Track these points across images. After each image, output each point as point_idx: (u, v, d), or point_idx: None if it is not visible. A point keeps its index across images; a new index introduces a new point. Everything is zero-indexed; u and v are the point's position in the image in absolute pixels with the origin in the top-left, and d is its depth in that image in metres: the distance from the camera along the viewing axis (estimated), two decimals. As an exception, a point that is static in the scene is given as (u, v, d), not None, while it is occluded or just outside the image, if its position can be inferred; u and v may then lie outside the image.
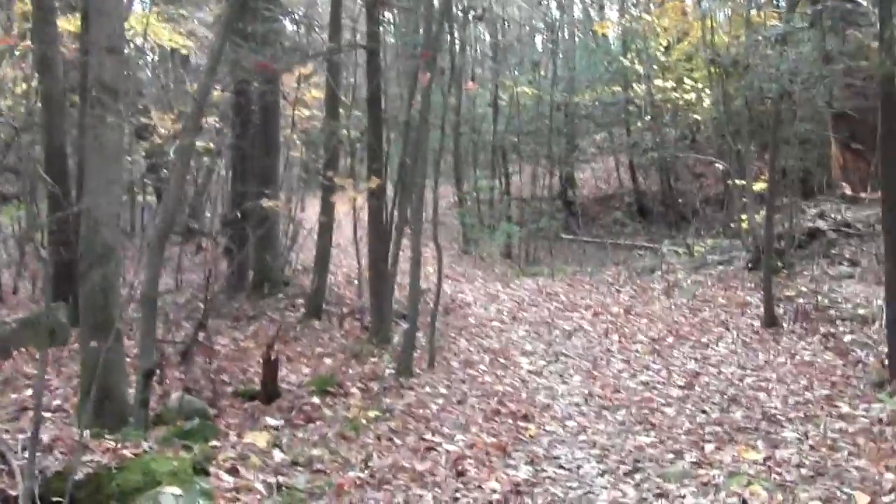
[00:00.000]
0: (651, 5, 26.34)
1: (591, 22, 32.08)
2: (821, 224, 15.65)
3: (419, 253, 11.63)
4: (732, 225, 19.62)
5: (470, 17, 23.72)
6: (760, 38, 11.09)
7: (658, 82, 24.10)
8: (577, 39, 33.13)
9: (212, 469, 6.30)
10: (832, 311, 12.72)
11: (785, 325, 12.92)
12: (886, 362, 9.86)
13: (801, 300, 13.54)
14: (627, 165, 29.46)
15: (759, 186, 18.21)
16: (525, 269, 21.88)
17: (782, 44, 11.50)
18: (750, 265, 16.24)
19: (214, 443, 7.16)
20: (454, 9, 19.73)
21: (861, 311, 12.30)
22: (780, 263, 14.91)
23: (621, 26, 28.10)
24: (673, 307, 15.21)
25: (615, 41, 31.05)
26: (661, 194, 27.63)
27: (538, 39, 33.77)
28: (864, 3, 10.80)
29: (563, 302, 16.77)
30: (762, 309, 13.39)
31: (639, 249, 23.00)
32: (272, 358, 9.35)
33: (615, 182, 30.63)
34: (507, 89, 28.12)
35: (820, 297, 13.32)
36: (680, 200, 25.56)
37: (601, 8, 33.39)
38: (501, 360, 12.37)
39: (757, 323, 13.26)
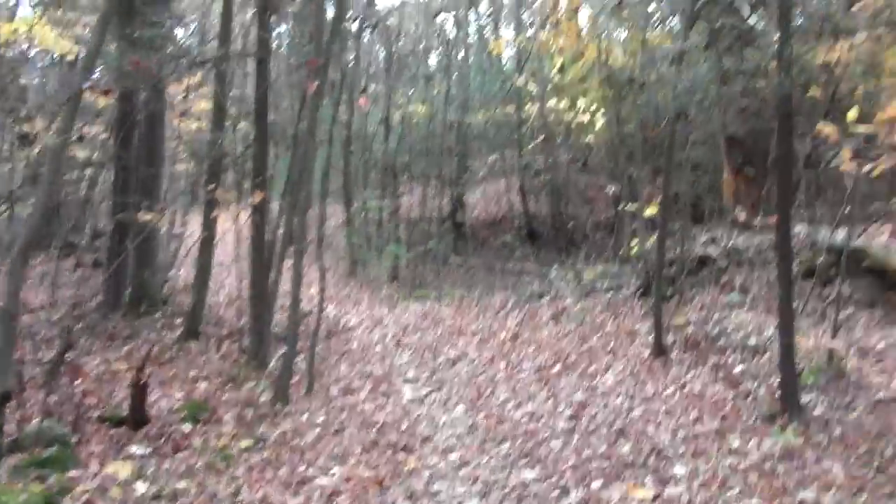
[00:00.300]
0: (546, 25, 26.08)
1: (486, 41, 31.79)
2: (711, 251, 15.39)
3: (301, 273, 11.10)
4: (622, 251, 19.39)
5: (362, 27, 23.11)
6: (656, 56, 10.72)
7: (551, 103, 23.83)
8: (471, 58, 32.76)
9: (66, 502, 5.72)
10: (722, 341, 12.40)
11: (674, 354, 12.56)
12: (778, 394, 9.55)
13: (690, 329, 13.21)
14: (519, 188, 29.13)
15: (650, 211, 18.00)
16: (412, 292, 21.30)
17: (678, 63, 11.17)
18: (640, 292, 15.92)
19: (73, 473, 6.66)
20: (347, 18, 19.14)
21: (752, 341, 11.99)
22: (670, 291, 14.61)
23: (516, 46, 27.85)
24: (561, 334, 14.79)
25: (509, 61, 30.80)
26: (552, 218, 27.36)
27: (432, 57, 33.34)
28: (762, 23, 10.53)
29: (449, 327, 16.28)
30: (651, 337, 13.01)
31: (528, 274, 22.59)
32: (142, 381, 8.78)
33: (506, 204, 30.29)
34: (400, 107, 27.66)
35: (710, 326, 13.03)
36: (570, 225, 25.31)
37: (496, 27, 33.18)
38: (383, 388, 11.88)
39: (646, 352, 12.87)
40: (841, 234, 13.66)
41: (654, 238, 14.89)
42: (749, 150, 17.49)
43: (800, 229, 14.87)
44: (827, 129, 8.32)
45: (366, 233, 26.76)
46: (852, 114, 8.12)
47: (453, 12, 31.07)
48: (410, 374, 12.78)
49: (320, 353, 12.76)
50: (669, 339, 13.05)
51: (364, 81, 29.32)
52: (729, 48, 9.91)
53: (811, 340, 11.21)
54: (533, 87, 25.44)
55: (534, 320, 16.32)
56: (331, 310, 18.26)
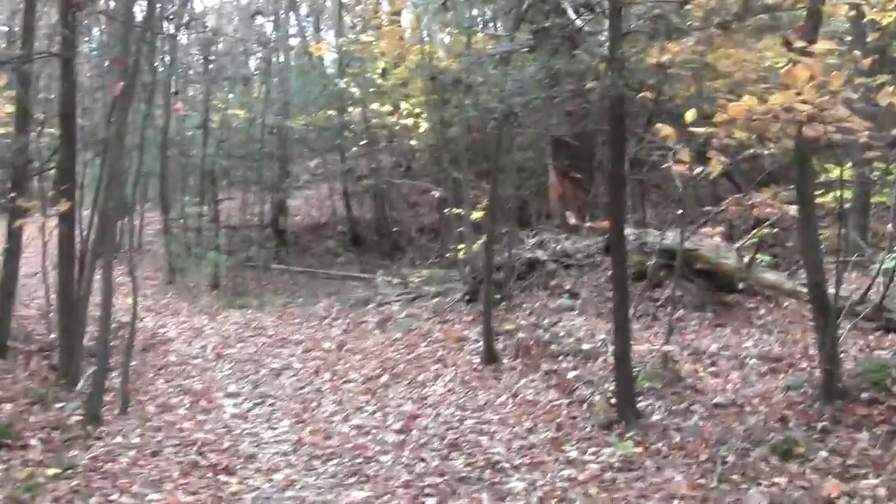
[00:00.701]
0: (368, 28, 25.64)
1: (307, 43, 31.14)
2: (540, 254, 15.10)
3: (111, 283, 10.30)
4: (448, 255, 19.08)
5: (177, 26, 22.17)
6: (483, 57, 10.36)
7: (374, 106, 23.38)
8: (292, 61, 32.02)
9: None
10: (554, 346, 12.04)
11: (505, 361, 12.19)
12: (613, 401, 9.29)
13: (521, 334, 12.85)
14: (342, 193, 28.60)
15: (476, 215, 17.73)
16: (233, 300, 20.49)
17: (505, 64, 10.84)
18: (467, 297, 15.56)
19: None
20: (158, 16, 18.22)
21: (584, 346, 11.71)
22: (498, 295, 14.29)
23: (338, 49, 27.26)
24: (388, 342, 14.26)
25: (331, 64, 30.17)
26: (376, 223, 26.96)
27: (252, 59, 32.49)
28: (591, 24, 10.29)
29: (271, 337, 15.59)
30: (481, 344, 12.64)
31: (352, 280, 22.07)
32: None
33: (329, 210, 29.74)
34: (218, 110, 26.79)
35: (541, 331, 12.71)
36: (395, 229, 24.91)
37: (318, 29, 32.56)
38: (203, 403, 11.16)
39: (476, 359, 12.46)
40: (670, 236, 13.61)
41: (480, 242, 14.63)
42: (575, 152, 17.38)
43: (628, 232, 14.77)
44: (665, 130, 8.04)
45: (185, 240, 25.76)
46: (690, 114, 7.86)
47: (272, 16, 30.36)
48: (232, 388, 12.11)
49: (135, 369, 11.98)
50: (500, 345, 12.68)
51: (180, 84, 28.39)
52: (556, 50, 9.61)
53: (644, 344, 11.03)
54: (355, 90, 24.88)
55: (359, 328, 15.77)
56: (148, 321, 17.39)
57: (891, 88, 6.72)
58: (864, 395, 8.39)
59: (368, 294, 18.81)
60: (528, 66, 9.26)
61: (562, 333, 12.56)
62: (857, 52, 7.75)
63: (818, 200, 10.32)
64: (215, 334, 16.12)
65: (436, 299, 16.77)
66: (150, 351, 14.39)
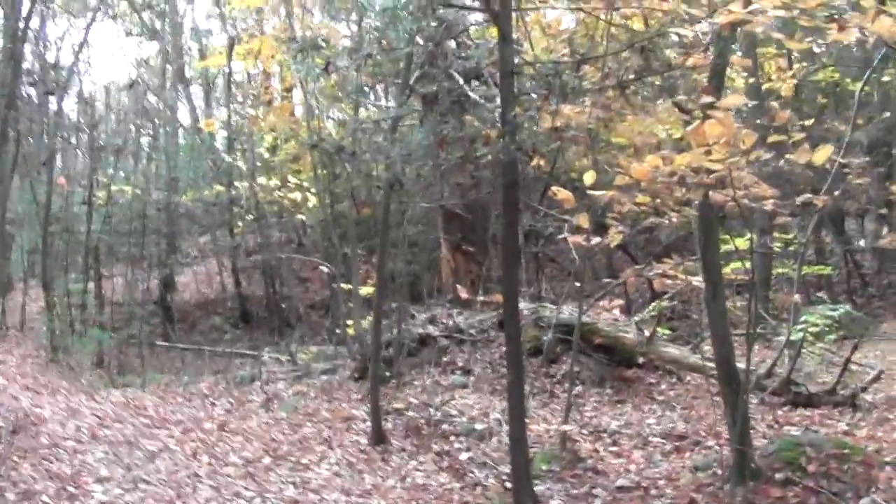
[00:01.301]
0: (259, 104, 24.92)
1: (197, 118, 30.20)
2: (432, 330, 14.27)
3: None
4: (338, 331, 18.19)
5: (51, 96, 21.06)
6: (368, 123, 9.63)
7: (262, 180, 22.48)
8: (181, 136, 31.03)
9: None
10: (446, 426, 11.22)
11: (395, 441, 11.28)
12: (509, 485, 8.47)
13: (411, 413, 11.99)
14: (231, 269, 27.54)
15: (365, 290, 16.97)
16: (116, 379, 19.23)
17: (392, 131, 10.10)
18: (356, 375, 14.62)
19: None
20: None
21: (478, 426, 10.88)
22: (388, 373, 13.43)
23: (227, 124, 26.43)
24: (272, 422, 13.23)
25: (220, 140, 29.27)
26: (266, 299, 25.91)
27: (140, 134, 31.38)
28: (483, 88, 9.63)
29: (151, 417, 14.41)
30: (369, 424, 11.72)
31: (240, 357, 20.94)
32: None
33: (218, 286, 28.62)
34: (103, 186, 25.59)
35: (432, 410, 11.86)
36: (284, 305, 23.90)
37: (208, 105, 31.66)
38: (70, 489, 10.01)
39: (364, 440, 11.52)
40: (567, 310, 12.94)
41: (370, 318, 13.79)
42: (468, 225, 16.69)
43: (523, 306, 14.11)
44: (562, 193, 7.28)
45: (69, 318, 24.40)
46: (589, 177, 7.13)
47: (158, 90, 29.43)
48: (104, 472, 10.93)
49: (0, 452, 10.83)
50: (389, 424, 11.78)
51: (66, 159, 27.24)
52: (445, 115, 8.90)
53: (542, 424, 10.27)
54: (242, 164, 24.02)
55: (244, 407, 14.70)
56: (24, 402, 16.12)
57: (806, 146, 6.06)
58: (779, 476, 7.69)
59: (255, 371, 17.75)
60: (416, 133, 8.53)
61: (454, 412, 11.74)
62: (773, 103, 7.14)
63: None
64: (92, 414, 14.87)
65: (324, 377, 15.81)
66: (19, 433, 13.15)
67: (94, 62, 56.37)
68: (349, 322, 16.95)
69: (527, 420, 8.58)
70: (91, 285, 25.32)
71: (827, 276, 19.45)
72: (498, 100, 8.78)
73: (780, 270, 15.55)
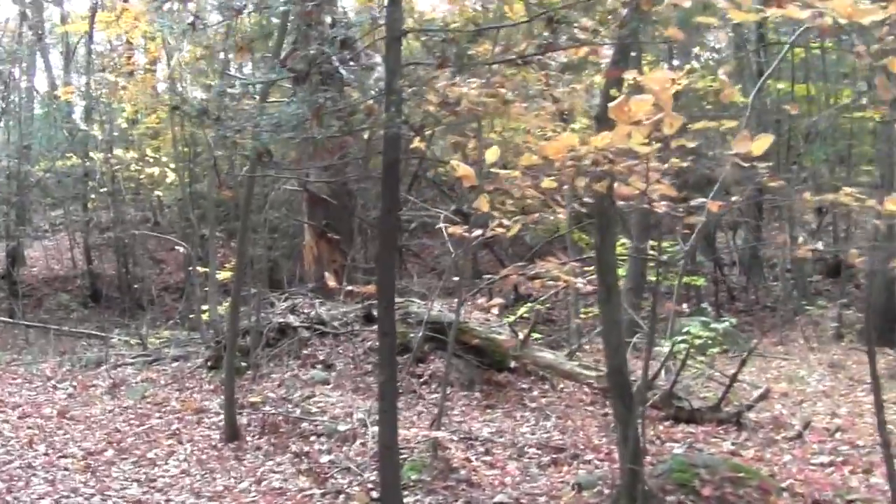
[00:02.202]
0: (120, 74, 23.29)
1: (55, 85, 28.28)
2: (292, 320, 13.06)
3: None
4: (192, 316, 16.96)
5: None
6: (235, 88, 8.47)
7: (119, 152, 20.94)
8: (36, 104, 29.10)
9: None
10: (306, 424, 10.10)
11: (250, 439, 10.13)
12: (375, 495, 7.48)
13: (268, 409, 10.84)
14: (83, 245, 25.80)
15: (223, 275, 15.79)
16: (-49, 356, 17.50)
17: (263, 97, 8.95)
18: (209, 363, 13.39)
19: None
20: None
21: (341, 427, 9.78)
22: (244, 363, 12.26)
23: (86, 92, 24.68)
24: (118, 410, 11.93)
25: (78, 109, 27.40)
26: (118, 279, 24.30)
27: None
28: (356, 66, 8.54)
29: (-15, 400, 12.99)
30: (222, 418, 10.56)
31: (87, 338, 19.38)
32: None
33: (69, 262, 26.83)
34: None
35: (290, 406, 10.74)
36: (136, 286, 22.38)
37: (67, 71, 29.74)
38: None
39: (216, 435, 10.35)
40: (437, 307, 11.97)
41: (227, 304, 12.63)
42: (333, 211, 15.57)
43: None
44: (462, 169, 6.21)
45: None
46: (492, 154, 6.09)
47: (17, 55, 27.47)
48: (-80, 462, 9.66)
49: None
50: (244, 419, 10.63)
51: None
52: (325, 83, 7.82)
53: (410, 428, 9.25)
54: (98, 133, 22.38)
55: (87, 392, 13.34)
56: None
57: (745, 132, 5.18)
58: (671, 499, 6.88)
59: (102, 355, 16.34)
60: (289, 102, 7.46)
61: (314, 410, 10.63)
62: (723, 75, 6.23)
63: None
64: (-81, 394, 13.42)
65: (176, 363, 14.56)
66: None
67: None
68: (204, 307, 15.81)
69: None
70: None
71: (697, 288, 19.02)
72: (381, 70, 7.76)
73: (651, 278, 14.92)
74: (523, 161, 5.63)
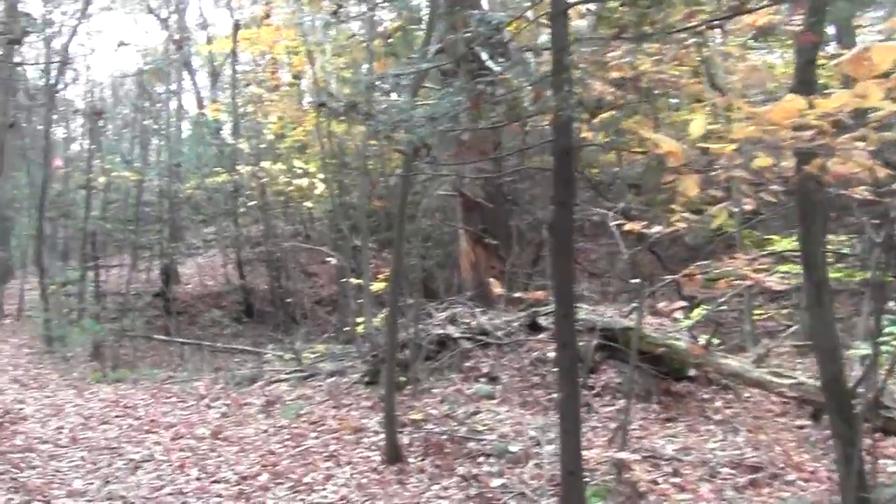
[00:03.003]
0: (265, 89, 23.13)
1: (202, 103, 28.37)
2: (452, 330, 12.22)
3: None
4: (346, 329, 16.39)
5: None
6: (388, 78, 7.68)
7: (266, 164, 20.59)
8: (185, 121, 29.22)
9: None
10: (473, 444, 9.27)
11: (412, 460, 9.35)
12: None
13: (430, 426, 10.05)
14: (236, 261, 25.63)
15: (376, 286, 15.11)
16: (108, 374, 17.30)
17: (415, 90, 8.15)
18: (366, 379, 12.68)
19: None
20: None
21: (512, 447, 8.91)
22: (403, 378, 11.52)
23: (233, 108, 24.55)
24: (272, 430, 11.31)
25: (225, 126, 27.37)
26: (270, 293, 23.98)
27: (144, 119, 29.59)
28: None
29: (140, 418, 12.56)
30: (383, 437, 9.81)
31: (241, 355, 19.01)
32: None
33: (222, 278, 26.72)
34: (105, 171, 23.69)
35: (455, 424, 9.92)
36: (290, 300, 21.95)
37: (213, 88, 29.88)
38: (37, 504, 8.32)
39: (377, 456, 9.60)
40: (608, 313, 11.03)
41: (381, 316, 11.90)
42: (489, 214, 14.73)
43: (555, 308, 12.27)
44: (667, 144, 5.19)
45: (66, 306, 22.59)
46: (698, 125, 5.06)
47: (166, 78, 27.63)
48: (77, 485, 9.25)
49: None
50: (405, 439, 9.85)
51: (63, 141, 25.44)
52: (482, 70, 7.00)
53: (591, 448, 8.31)
54: (246, 146, 22.11)
55: (241, 411, 12.80)
56: (8, 395, 14.44)
57: None
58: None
59: (256, 371, 15.86)
60: (444, 93, 6.67)
61: (481, 427, 9.78)
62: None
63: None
64: (77, 413, 13.13)
65: (331, 379, 13.92)
66: (-5, 432, 11.45)
67: (101, 51, 55.43)
68: (359, 320, 15.18)
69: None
70: (88, 273, 23.48)
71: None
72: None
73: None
74: (736, 133, 4.64)
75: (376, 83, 7.42)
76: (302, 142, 22.80)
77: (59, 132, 28.60)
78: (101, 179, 23.65)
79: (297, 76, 25.98)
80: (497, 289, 11.53)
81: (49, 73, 21.67)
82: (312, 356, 16.37)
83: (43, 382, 16.47)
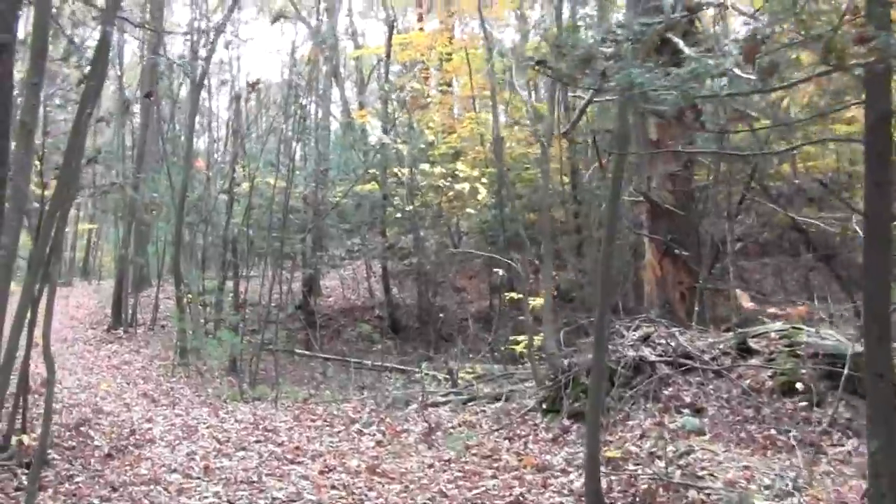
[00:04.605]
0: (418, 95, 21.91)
1: (349, 109, 27.26)
2: (647, 353, 10.40)
3: (52, 366, 6.22)
4: (503, 347, 14.86)
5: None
6: (618, 34, 5.96)
7: (425, 167, 19.18)
8: (332, 129, 28.09)
9: None
10: (693, 493, 7.45)
11: (612, 508, 7.63)
12: None
13: (633, 468, 8.30)
14: (380, 274, 24.27)
15: (535, 302, 13.52)
16: (246, 391, 15.89)
17: (647, 51, 6.42)
18: (544, 405, 10.98)
19: None
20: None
21: (758, 501, 7.07)
22: (584, 406, 9.80)
23: (382, 116, 23.33)
24: (438, 465, 9.67)
25: (373, 133, 26.16)
26: (418, 308, 22.51)
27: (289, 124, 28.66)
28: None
29: (282, 445, 11.04)
30: (576, 477, 8.12)
31: (390, 373, 17.54)
32: None
33: (366, 291, 25.40)
34: (247, 176, 22.57)
35: (665, 466, 8.11)
36: (441, 315, 20.45)
37: (361, 92, 28.84)
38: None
39: (571, 503, 7.90)
40: (831, 335, 9.20)
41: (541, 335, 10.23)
42: (679, 222, 12.90)
43: (771, 328, 10.37)
44: None
45: (203, 317, 21.49)
46: None
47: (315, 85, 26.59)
48: (212, 532, 7.79)
49: (82, 485, 7.86)
50: (602, 482, 8.09)
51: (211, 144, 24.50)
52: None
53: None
54: (402, 147, 20.72)
55: (398, 439, 11.21)
56: (136, 412, 13.10)
57: None
58: None
59: (409, 392, 14.36)
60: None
61: (698, 469, 7.98)
62: None
63: None
64: (211, 436, 11.62)
65: (497, 404, 12.31)
66: (117, 457, 10.05)
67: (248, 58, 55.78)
68: (520, 337, 13.60)
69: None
70: (228, 282, 22.35)
71: None
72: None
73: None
74: None
75: (608, 37, 5.79)
76: (455, 148, 21.41)
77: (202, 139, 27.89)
78: (245, 185, 22.52)
79: (448, 83, 24.87)
80: (748, 303, 9.67)
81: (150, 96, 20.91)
82: (469, 376, 14.87)
83: (175, 399, 15.18)
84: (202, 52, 20.87)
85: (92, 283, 37.76)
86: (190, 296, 21.20)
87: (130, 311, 24.78)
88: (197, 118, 23.21)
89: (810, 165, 18.69)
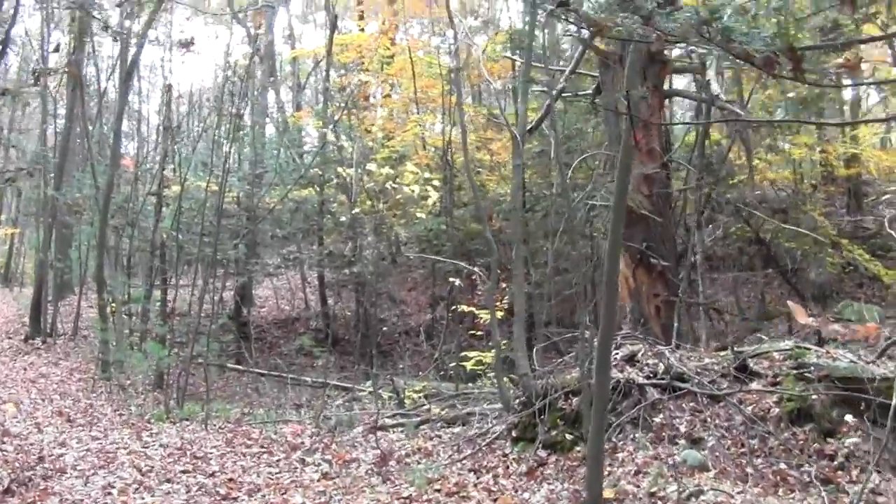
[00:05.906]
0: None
1: (285, 111, 25.86)
2: (634, 374, 9.04)
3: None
4: (447, 363, 13.64)
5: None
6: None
7: (372, 167, 17.78)
8: (268, 131, 26.60)
9: None
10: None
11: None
12: None
13: (635, 512, 6.95)
14: (317, 283, 22.82)
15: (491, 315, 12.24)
16: (173, 409, 14.25)
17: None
18: (514, 433, 9.58)
19: None
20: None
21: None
22: (569, 434, 8.51)
23: (324, 116, 21.89)
24: (396, 502, 8.21)
25: (309, 138, 24.85)
26: (356, 320, 21.05)
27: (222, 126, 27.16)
28: None
29: (214, 476, 9.52)
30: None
31: (330, 390, 16.02)
32: None
33: (300, 303, 23.91)
34: (177, 179, 21.00)
35: (670, 509, 6.79)
36: (383, 329, 19.05)
37: (298, 94, 27.53)
38: None
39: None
40: (844, 356, 8.02)
41: (493, 351, 8.90)
42: (654, 229, 11.65)
43: (775, 347, 9.12)
44: None
45: (129, 327, 19.83)
46: None
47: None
48: None
49: None
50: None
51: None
52: None
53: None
54: (349, 146, 19.33)
55: (347, 469, 9.72)
56: (48, 434, 11.53)
57: None
58: None
59: (354, 412, 12.89)
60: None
61: (711, 514, 6.66)
62: None
63: None
64: (131, 464, 10.02)
65: (454, 428, 10.91)
66: (18, 492, 8.52)
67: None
68: (471, 354, 12.30)
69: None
70: (155, 291, 20.65)
71: None
72: None
73: None
74: None
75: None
76: (399, 152, 20.12)
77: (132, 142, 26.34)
78: (175, 187, 20.90)
79: (391, 86, 23.71)
80: (805, 318, 8.31)
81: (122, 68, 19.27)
82: (416, 394, 13.53)
83: (93, 418, 13.55)
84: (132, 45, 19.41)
85: (13, 290, 35.70)
86: (114, 304, 19.55)
87: (50, 320, 23.15)
88: (126, 121, 21.65)
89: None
